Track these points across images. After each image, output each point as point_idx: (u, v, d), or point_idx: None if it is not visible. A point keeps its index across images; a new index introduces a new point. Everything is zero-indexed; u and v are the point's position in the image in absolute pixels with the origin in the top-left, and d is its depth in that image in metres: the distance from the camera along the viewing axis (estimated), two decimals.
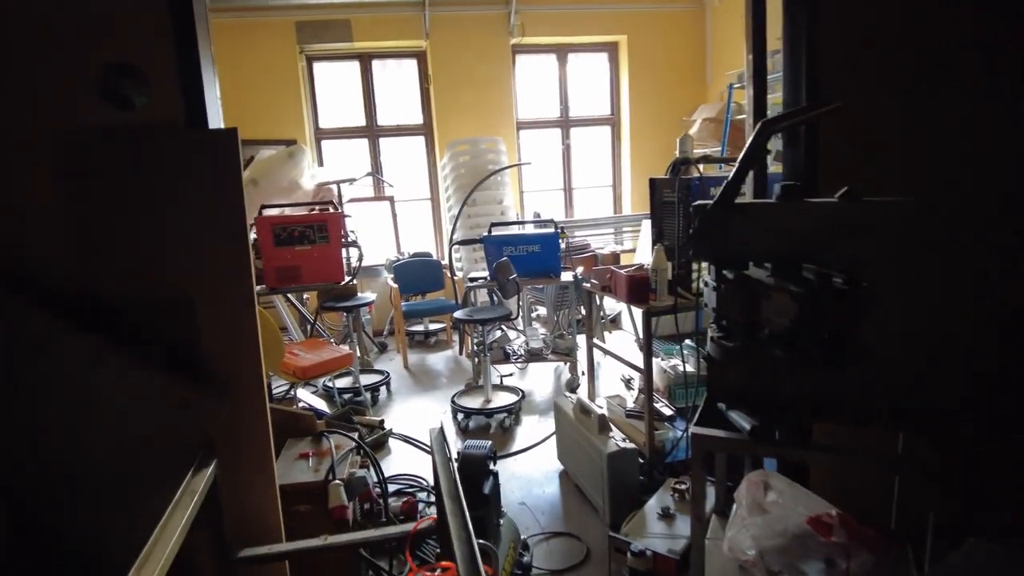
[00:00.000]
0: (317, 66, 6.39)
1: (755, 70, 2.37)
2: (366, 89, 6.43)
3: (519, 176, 6.76)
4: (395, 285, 5.47)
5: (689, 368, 3.35)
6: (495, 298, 4.73)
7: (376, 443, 3.78)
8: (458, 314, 3.95)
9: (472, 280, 4.51)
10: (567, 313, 4.88)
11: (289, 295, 5.45)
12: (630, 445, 2.80)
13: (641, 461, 2.97)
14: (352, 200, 6.21)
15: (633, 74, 6.83)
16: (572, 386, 4.43)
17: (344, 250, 5.10)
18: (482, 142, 5.95)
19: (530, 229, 5.27)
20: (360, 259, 4.91)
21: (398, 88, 6.60)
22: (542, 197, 7.00)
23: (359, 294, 5.67)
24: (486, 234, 4.49)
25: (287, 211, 5.13)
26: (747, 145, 1.69)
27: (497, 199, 5.91)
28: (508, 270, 3.85)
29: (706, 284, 1.72)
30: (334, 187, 5.60)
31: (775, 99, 2.56)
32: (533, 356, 4.50)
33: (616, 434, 2.91)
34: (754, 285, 1.60)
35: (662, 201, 3.03)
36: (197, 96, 1.91)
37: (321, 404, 4.33)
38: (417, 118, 6.60)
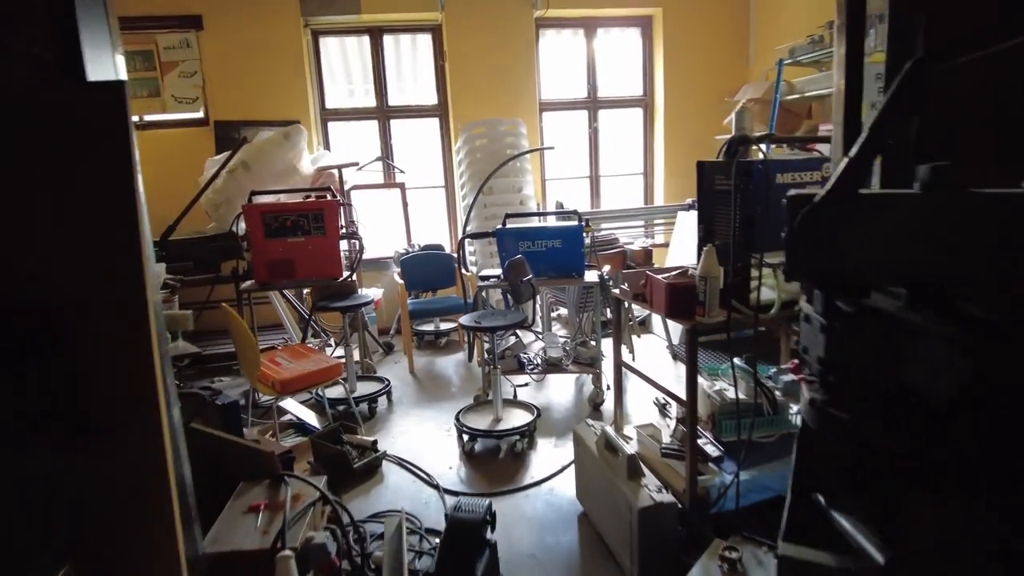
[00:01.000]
0: (323, 41, 5.83)
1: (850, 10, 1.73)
2: (376, 66, 5.87)
3: (541, 162, 6.15)
4: (401, 281, 4.92)
5: (740, 395, 2.74)
6: (509, 300, 4.15)
7: (367, 467, 3.24)
8: (465, 319, 3.37)
9: (483, 279, 3.93)
10: (591, 316, 4.28)
11: (285, 291, 4.94)
12: (667, 497, 2.21)
13: (680, 506, 2.39)
14: (358, 187, 5.66)
15: (668, 51, 6.16)
16: (595, 402, 3.84)
17: (344, 242, 4.57)
18: (501, 124, 5.34)
19: (551, 221, 4.67)
20: (360, 252, 4.36)
21: (411, 65, 6.02)
22: (566, 186, 6.38)
23: (361, 291, 5.14)
24: (500, 226, 3.91)
25: (282, 198, 4.60)
26: (886, 99, 1.07)
27: (516, 187, 5.32)
28: (522, 270, 3.26)
29: (806, 319, 1.11)
30: (336, 172, 5.05)
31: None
32: (551, 366, 3.92)
33: (649, 479, 2.32)
34: (891, 323, 0.99)
35: (713, 190, 2.41)
36: (71, 38, 1.35)
37: (310, 416, 3.81)
38: (431, 98, 6.01)
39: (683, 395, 2.45)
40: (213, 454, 2.28)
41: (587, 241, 3.85)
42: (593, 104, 6.24)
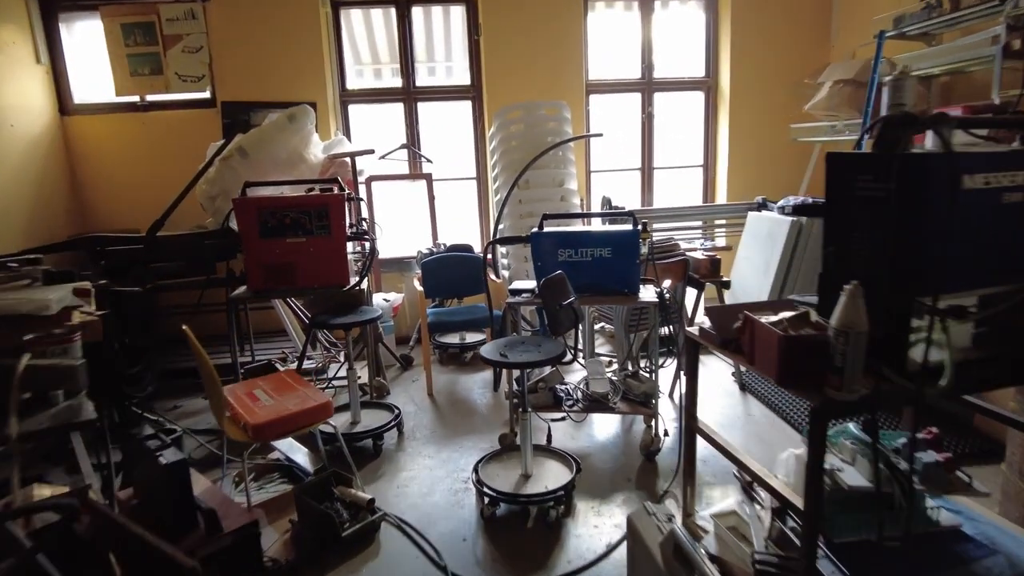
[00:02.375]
0: (344, 13, 5.12)
1: None
2: (403, 42, 5.14)
3: (586, 152, 5.34)
4: (420, 288, 4.20)
5: (860, 479, 1.92)
6: (544, 318, 3.39)
7: (360, 534, 2.54)
8: (487, 350, 2.63)
9: (514, 292, 3.18)
10: (645, 338, 3.49)
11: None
12: None
13: None
14: (378, 178, 4.96)
15: (736, 25, 5.25)
16: (649, 450, 3.07)
17: (353, 244, 3.87)
18: (540, 107, 4.56)
19: (597, 225, 3.89)
20: (371, 255, 3.65)
21: (442, 41, 5.27)
22: (614, 179, 5.56)
23: (377, 296, 4.45)
24: (536, 229, 3.14)
25: (286, 191, 3.92)
26: None
27: (556, 180, 4.53)
28: (562, 290, 2.50)
29: None
30: (349, 161, 4.35)
31: None
32: (595, 404, 3.15)
33: None
34: None
35: (853, 196, 1.60)
36: None
37: (301, 455, 3.13)
38: (463, 78, 5.26)
39: (781, 477, 1.65)
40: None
41: (644, 249, 3.06)
42: (648, 86, 5.39)
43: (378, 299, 4.58)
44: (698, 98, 5.52)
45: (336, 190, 3.62)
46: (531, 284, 3.25)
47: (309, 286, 3.55)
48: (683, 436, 2.17)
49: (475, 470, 2.82)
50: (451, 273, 4.35)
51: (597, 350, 4.33)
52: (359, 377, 3.82)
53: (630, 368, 3.52)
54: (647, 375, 3.31)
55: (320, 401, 2.61)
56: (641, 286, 3.13)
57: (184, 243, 3.90)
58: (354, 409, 3.39)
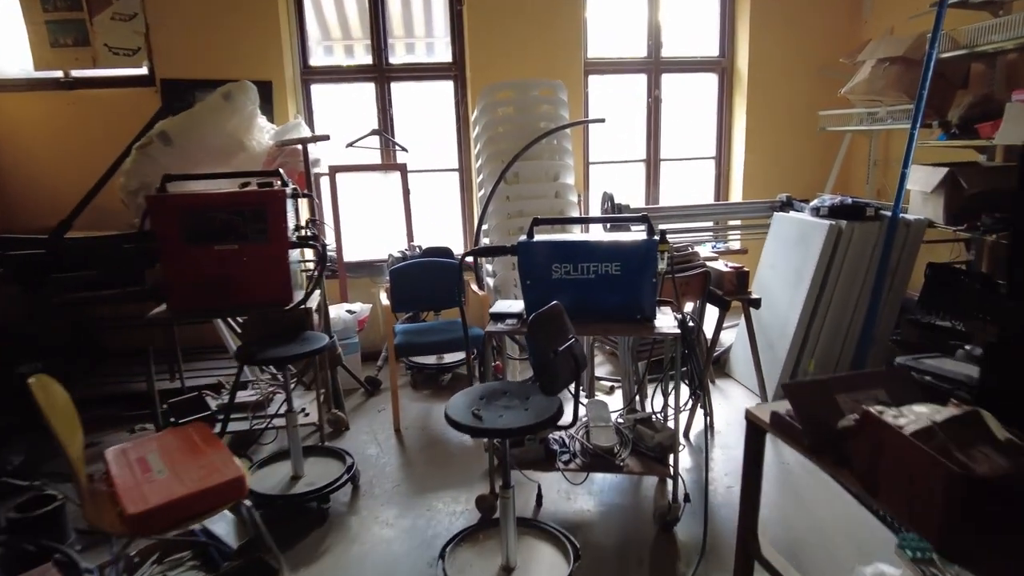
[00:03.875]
0: None
1: None
2: (374, 13, 4.39)
3: (584, 140, 4.63)
4: (387, 302, 3.48)
5: None
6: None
7: None
8: (454, 406, 1.91)
9: (496, 318, 2.48)
10: (662, 379, 2.80)
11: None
12: None
13: None
14: (343, 168, 4.23)
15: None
16: (666, 519, 2.38)
17: (298, 252, 3.15)
18: (532, 87, 3.83)
19: (597, 233, 3.18)
20: (322, 264, 2.94)
21: (421, 14, 4.52)
22: (615, 172, 4.85)
23: (339, 309, 3.74)
24: (524, 237, 2.44)
25: (223, 185, 3.18)
26: None
27: (550, 173, 3.82)
28: (558, 328, 1.80)
29: None
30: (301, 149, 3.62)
31: None
32: (598, 460, 2.45)
33: None
34: None
35: None
36: None
37: (223, 525, 2.44)
38: (444, 54, 4.52)
39: None
40: None
41: (662, 265, 2.35)
42: (655, 66, 4.67)
43: (338, 312, 3.86)
44: (711, 80, 4.80)
45: (278, 184, 2.89)
46: (518, 306, 2.55)
47: (243, 305, 2.83)
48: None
49: (441, 555, 2.13)
50: (426, 282, 3.63)
51: (596, 371, 3.63)
52: (307, 415, 3.12)
53: (639, 408, 2.83)
54: (661, 420, 2.62)
55: (229, 476, 1.90)
56: (658, 309, 2.43)
57: (97, 247, 3.17)
58: (296, 461, 2.68)
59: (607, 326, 2.40)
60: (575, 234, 2.79)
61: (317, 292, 3.04)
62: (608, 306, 2.39)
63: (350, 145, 4.34)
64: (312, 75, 4.45)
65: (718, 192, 4.92)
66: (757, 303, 3.04)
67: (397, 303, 3.57)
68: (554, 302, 1.88)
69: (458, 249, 4.57)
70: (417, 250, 4.01)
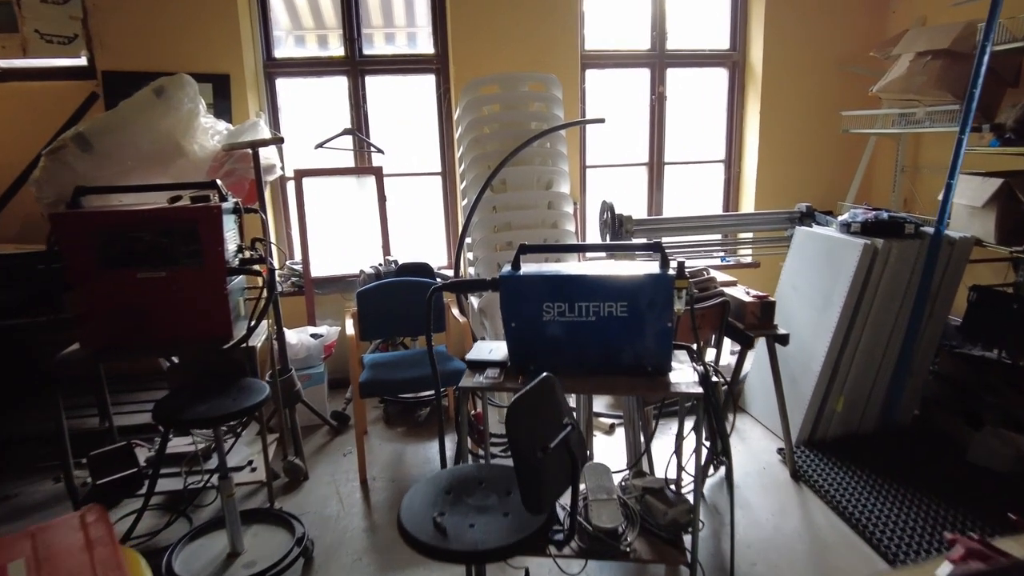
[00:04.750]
0: None
1: None
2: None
3: (581, 142, 4.13)
4: (352, 332, 2.98)
5: None
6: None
7: None
8: (409, 512, 1.42)
9: (474, 367, 1.99)
10: (676, 437, 2.31)
11: None
12: None
13: None
14: (310, 173, 3.73)
15: None
16: None
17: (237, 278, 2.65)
18: (522, 81, 3.33)
19: (599, 264, 2.71)
20: (269, 295, 2.44)
21: (402, 1, 4.02)
22: (616, 177, 4.36)
23: (299, 334, 3.26)
24: (509, 267, 1.95)
25: (152, 198, 2.68)
26: None
27: (543, 180, 3.33)
28: (549, 413, 1.31)
29: None
30: (273, 152, 3.11)
31: None
32: (597, 544, 1.97)
33: None
34: None
35: None
36: None
37: None
38: (426, 45, 4.02)
39: None
40: None
41: (679, 306, 1.87)
42: (659, 60, 4.17)
43: (301, 337, 3.37)
44: (721, 76, 4.31)
45: (215, 198, 2.39)
46: (501, 350, 2.06)
47: (172, 342, 2.34)
48: None
49: None
50: (399, 304, 3.13)
51: (593, 405, 3.14)
52: (253, 469, 2.62)
53: (646, 469, 2.35)
54: (673, 490, 2.14)
55: None
56: (673, 362, 1.95)
57: (4, 266, 2.66)
58: (233, 535, 2.19)
59: (610, 381, 1.91)
60: (571, 263, 2.33)
61: (265, 325, 2.55)
62: (612, 356, 1.90)
63: (320, 146, 3.84)
64: (277, 68, 3.94)
65: (727, 199, 4.44)
66: (785, 340, 2.56)
67: (365, 330, 3.07)
68: (544, 375, 1.39)
69: (441, 263, 4.08)
70: (393, 265, 3.51)
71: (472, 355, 2.04)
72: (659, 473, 2.37)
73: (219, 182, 2.42)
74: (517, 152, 3.14)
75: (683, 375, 1.91)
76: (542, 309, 1.89)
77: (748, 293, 2.64)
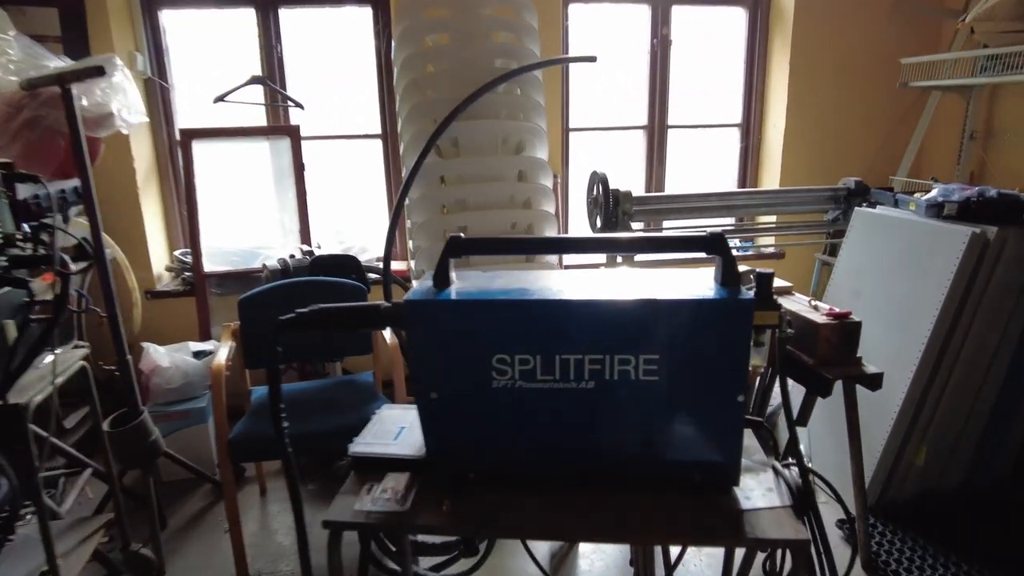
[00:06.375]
0: None
1: None
2: None
3: (563, 96, 3.15)
4: (222, 360, 1.97)
5: None
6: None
7: None
8: None
9: (361, 466, 1.04)
10: None
11: None
12: None
13: None
14: (202, 134, 2.72)
15: None
16: None
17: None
18: (484, 5, 2.32)
19: (590, 276, 1.72)
20: (57, 313, 1.43)
21: None
22: (607, 143, 3.39)
23: (172, 355, 2.28)
24: (430, 282, 0.99)
25: None
26: None
27: (511, 142, 2.34)
28: None
29: None
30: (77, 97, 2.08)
31: None
32: None
33: None
34: None
35: None
36: None
37: None
38: None
39: None
40: None
41: (757, 359, 0.94)
42: None
43: (176, 356, 2.38)
44: (739, 17, 3.34)
45: None
46: (413, 441, 1.10)
47: None
48: None
49: None
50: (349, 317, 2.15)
51: None
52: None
53: None
54: None
55: None
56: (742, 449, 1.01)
57: None
58: None
59: (620, 519, 0.97)
60: (549, 271, 1.38)
61: (49, 360, 1.56)
62: (625, 456, 0.96)
63: (219, 100, 2.81)
64: None
65: (743, 173, 3.49)
66: (877, 381, 1.62)
67: (252, 354, 2.09)
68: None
69: (374, 253, 3.10)
70: (308, 258, 2.52)
71: (359, 447, 1.08)
72: None
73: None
74: (474, 100, 2.16)
75: (763, 493, 0.98)
76: (488, 364, 0.94)
77: (815, 307, 1.70)
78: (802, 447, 1.57)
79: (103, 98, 1.99)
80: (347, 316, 1.06)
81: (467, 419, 0.99)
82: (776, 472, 1.03)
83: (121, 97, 2.15)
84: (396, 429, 1.13)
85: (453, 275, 1.02)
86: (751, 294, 0.92)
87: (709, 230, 0.96)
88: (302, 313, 1.04)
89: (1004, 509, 2.10)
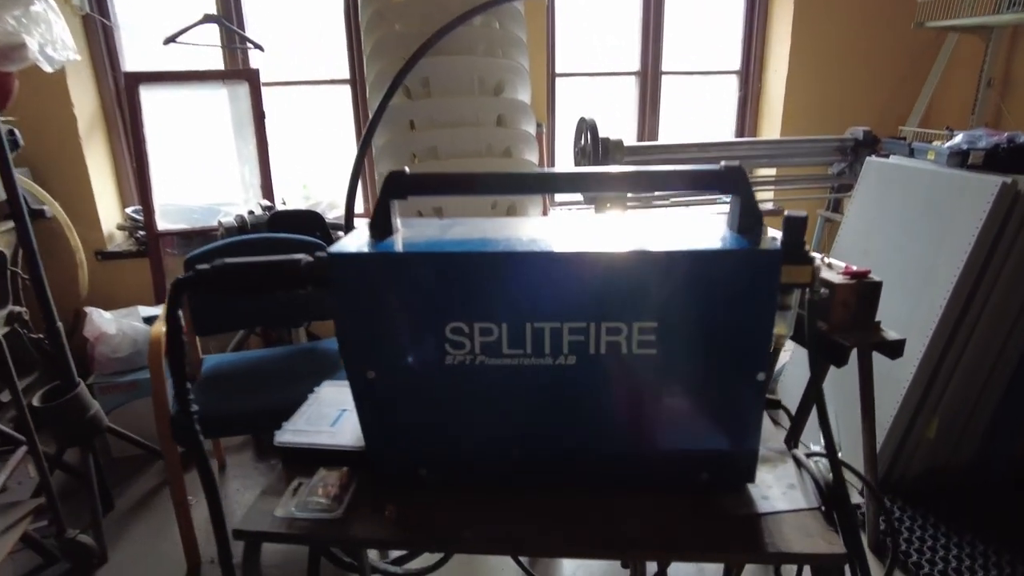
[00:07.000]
0: None
1: None
2: None
3: (548, 38, 2.87)
4: (163, 324, 1.77)
5: None
6: None
7: None
8: None
9: (290, 458, 0.83)
10: None
11: None
12: None
13: None
14: (151, 78, 2.44)
15: None
16: None
17: None
18: None
19: (576, 222, 1.50)
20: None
21: None
22: (597, 89, 3.12)
23: (119, 320, 2.07)
24: (357, 233, 0.76)
25: None
26: None
27: (488, 82, 2.08)
28: None
29: None
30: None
31: None
32: None
33: None
34: None
35: None
36: None
37: None
38: None
39: None
40: None
41: (781, 326, 0.74)
42: None
43: (123, 322, 2.16)
44: None
45: None
46: (349, 432, 0.89)
47: None
48: None
49: None
50: (260, 278, 1.93)
51: None
52: None
53: None
54: None
55: None
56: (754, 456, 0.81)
57: None
58: None
59: (609, 529, 0.78)
60: (526, 218, 1.17)
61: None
62: (613, 452, 0.76)
63: (170, 40, 2.52)
64: None
65: (741, 123, 3.25)
66: (899, 349, 1.43)
67: (200, 319, 1.87)
68: None
69: (340, 209, 2.85)
70: (267, 213, 2.29)
71: (285, 436, 0.87)
72: None
73: None
74: (447, 33, 1.89)
75: (777, 486, 0.78)
76: (442, 336, 0.72)
77: (829, 265, 1.50)
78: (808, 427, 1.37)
79: (15, 28, 1.71)
80: (259, 273, 0.84)
81: (414, 405, 0.78)
82: (799, 464, 0.84)
83: (44, 30, 1.87)
84: (335, 413, 0.93)
85: (397, 222, 0.79)
86: (777, 243, 0.70)
87: (724, 162, 0.74)
88: (201, 270, 0.82)
89: (1018, 487, 1.94)
